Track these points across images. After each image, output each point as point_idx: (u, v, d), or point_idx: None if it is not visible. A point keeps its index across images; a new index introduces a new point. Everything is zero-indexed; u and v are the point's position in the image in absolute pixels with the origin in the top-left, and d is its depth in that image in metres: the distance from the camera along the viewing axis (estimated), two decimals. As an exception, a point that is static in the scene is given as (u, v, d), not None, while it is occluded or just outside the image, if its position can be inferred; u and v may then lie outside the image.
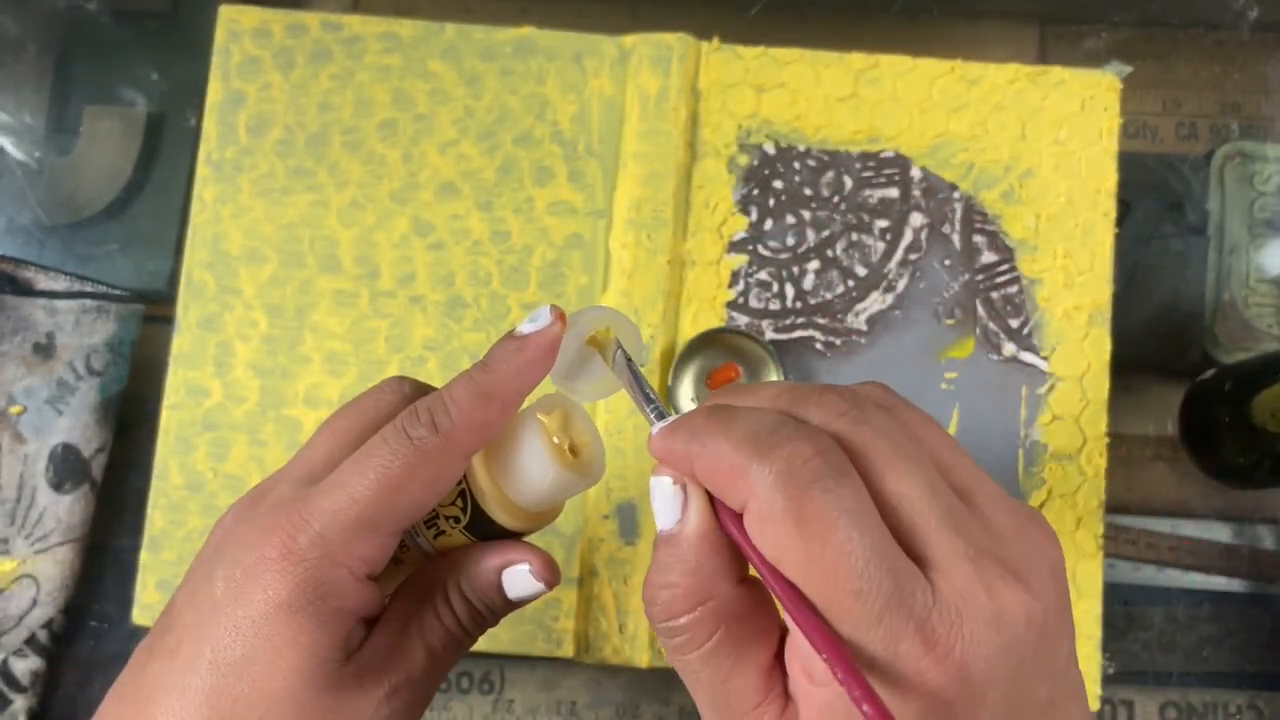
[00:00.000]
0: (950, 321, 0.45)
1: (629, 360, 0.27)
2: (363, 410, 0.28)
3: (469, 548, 0.28)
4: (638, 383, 0.27)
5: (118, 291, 0.46)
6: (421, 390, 0.29)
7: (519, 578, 0.28)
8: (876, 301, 0.45)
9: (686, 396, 0.44)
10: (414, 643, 0.27)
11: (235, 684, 0.24)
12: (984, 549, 0.21)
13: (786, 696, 0.23)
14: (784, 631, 0.24)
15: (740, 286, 0.46)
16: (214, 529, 0.28)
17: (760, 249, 0.46)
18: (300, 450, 0.28)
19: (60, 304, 0.45)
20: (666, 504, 0.24)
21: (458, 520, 0.28)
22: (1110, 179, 0.46)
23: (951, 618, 0.20)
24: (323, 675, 0.24)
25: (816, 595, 0.21)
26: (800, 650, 0.22)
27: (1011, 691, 0.21)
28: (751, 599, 0.24)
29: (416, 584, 0.28)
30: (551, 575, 0.28)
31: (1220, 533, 0.46)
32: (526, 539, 0.29)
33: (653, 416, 0.25)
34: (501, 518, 0.28)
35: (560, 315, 0.27)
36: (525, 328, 0.27)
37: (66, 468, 0.44)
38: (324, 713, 0.24)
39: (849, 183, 0.46)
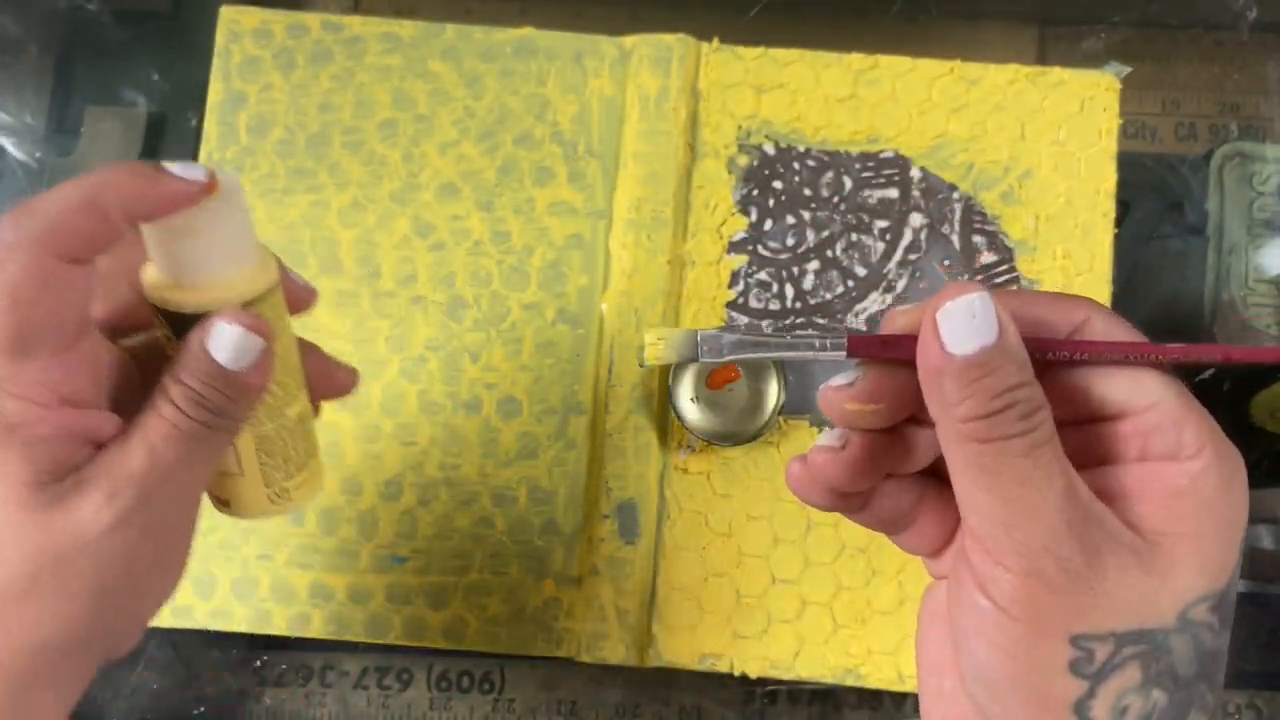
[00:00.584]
0: (950, 322, 0.45)
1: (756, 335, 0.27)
2: None
3: None
4: (774, 335, 0.27)
5: (119, 291, 0.46)
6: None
7: (218, 335, 0.27)
8: (876, 302, 0.45)
9: (686, 396, 0.44)
10: (133, 443, 0.27)
11: None
12: None
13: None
14: None
15: (740, 287, 0.46)
16: None
17: (760, 249, 0.46)
18: None
19: (61, 304, 0.45)
20: (980, 318, 0.23)
21: (169, 338, 0.28)
22: (1109, 179, 0.46)
23: None
24: (33, 497, 0.26)
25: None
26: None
27: None
28: None
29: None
30: (250, 320, 0.27)
31: (1219, 532, 0.46)
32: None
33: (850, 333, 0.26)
34: (173, 297, 0.27)
35: (211, 185, 0.26)
36: (175, 168, 0.26)
37: (67, 467, 0.44)
38: (41, 530, 0.26)
39: (849, 183, 0.46)
